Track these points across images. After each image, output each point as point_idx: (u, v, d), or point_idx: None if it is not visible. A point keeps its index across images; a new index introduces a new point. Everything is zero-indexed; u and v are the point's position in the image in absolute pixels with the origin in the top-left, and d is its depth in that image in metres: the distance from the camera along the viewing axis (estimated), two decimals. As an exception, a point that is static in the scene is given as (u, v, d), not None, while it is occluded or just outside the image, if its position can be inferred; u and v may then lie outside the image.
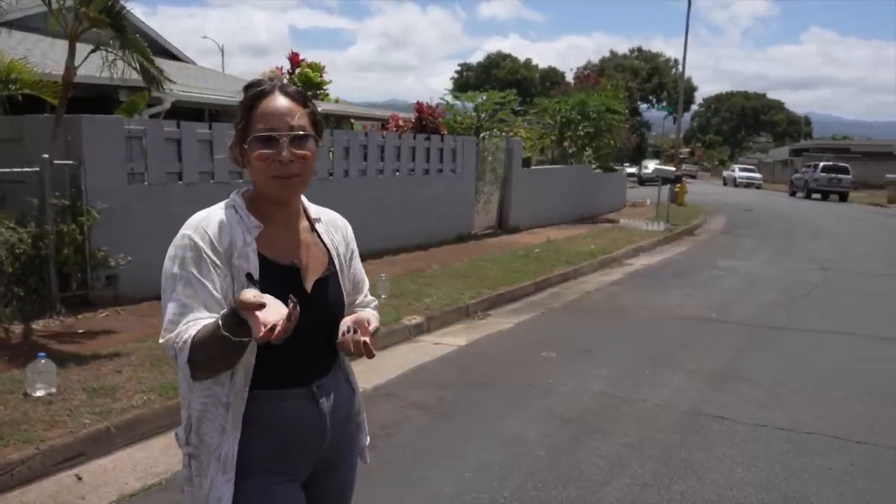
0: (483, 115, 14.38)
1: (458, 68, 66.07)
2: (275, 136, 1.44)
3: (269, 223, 1.52)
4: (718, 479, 3.41)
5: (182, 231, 1.47)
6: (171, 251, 1.46)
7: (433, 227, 10.79)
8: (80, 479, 3.38)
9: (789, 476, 3.45)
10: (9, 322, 5.38)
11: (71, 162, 5.85)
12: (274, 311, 1.24)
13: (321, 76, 17.24)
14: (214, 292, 1.41)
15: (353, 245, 1.73)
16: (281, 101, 1.47)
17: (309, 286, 1.54)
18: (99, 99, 8.68)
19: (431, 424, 4.11)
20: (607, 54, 64.09)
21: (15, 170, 5.62)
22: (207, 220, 1.47)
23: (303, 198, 1.61)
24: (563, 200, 15.38)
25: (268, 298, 1.26)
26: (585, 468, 3.51)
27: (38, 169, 5.61)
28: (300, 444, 1.54)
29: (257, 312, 1.23)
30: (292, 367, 1.51)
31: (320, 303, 1.54)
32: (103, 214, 5.97)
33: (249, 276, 1.44)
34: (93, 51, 5.80)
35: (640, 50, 64.65)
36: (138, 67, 5.90)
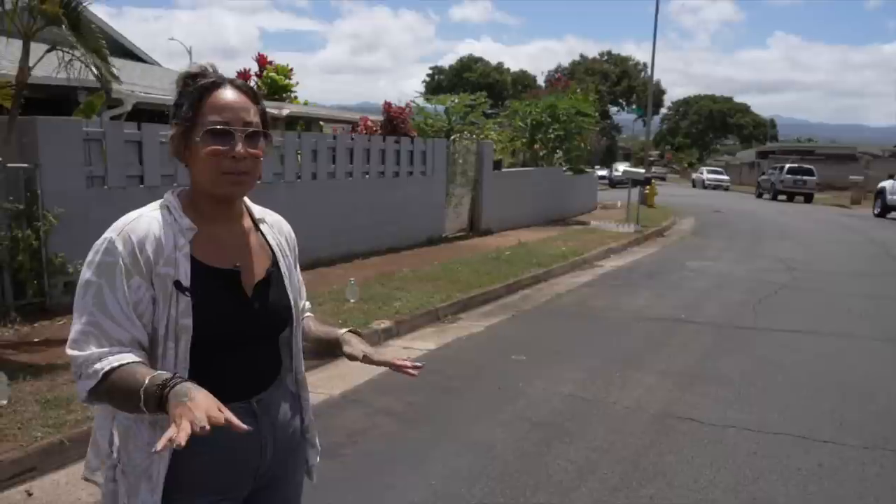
0: (454, 118, 14.35)
1: (431, 71, 66.10)
2: (230, 131, 1.36)
3: (209, 224, 1.43)
4: (687, 481, 3.39)
5: (105, 233, 1.36)
6: (90, 254, 1.36)
7: (404, 231, 10.71)
8: (30, 494, 3.24)
9: (757, 477, 3.45)
10: (-40, 331, 5.19)
11: (26, 165, 5.66)
12: (200, 414, 1.15)
13: (288, 79, 17.11)
14: (125, 307, 1.31)
15: (297, 251, 1.66)
16: (234, 95, 1.40)
17: (249, 290, 1.46)
18: (58, 101, 8.44)
19: (399, 431, 4.03)
20: (578, 58, 64.63)
21: (-34, 173, 5.42)
22: (134, 224, 1.36)
23: (245, 198, 1.53)
24: (534, 202, 15.41)
25: (201, 399, 1.18)
26: (554, 473, 3.46)
27: (-10, 172, 5.42)
28: (238, 462, 1.45)
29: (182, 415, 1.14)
30: (232, 380, 1.42)
31: (262, 307, 1.46)
32: (61, 219, 5.78)
33: (178, 284, 1.35)
34: (48, 50, 5.61)
35: (609, 54, 65.33)
36: (93, 68, 5.73)
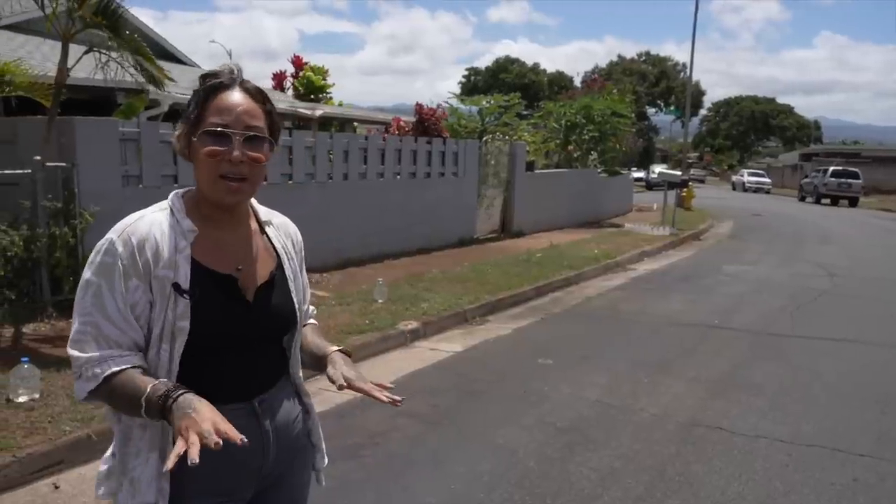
0: (487, 119, 14.29)
1: (467, 72, 66.04)
2: (227, 133, 1.34)
3: (212, 226, 1.42)
4: (714, 493, 3.29)
5: (108, 234, 1.37)
6: (92, 254, 1.36)
7: (434, 232, 10.70)
8: (57, 487, 3.30)
9: (788, 491, 3.33)
10: (-1, 326, 5.33)
11: (64, 164, 5.79)
12: (208, 427, 1.17)
13: (324, 79, 17.26)
14: (122, 308, 1.31)
15: (303, 254, 1.64)
16: (239, 97, 1.38)
17: (251, 294, 1.44)
18: (98, 102, 8.65)
19: (421, 433, 4.00)
20: (616, 58, 63.89)
21: (7, 171, 5.57)
22: (135, 226, 1.36)
23: (252, 199, 1.52)
24: (567, 204, 15.26)
25: (206, 411, 1.20)
26: (576, 481, 3.39)
27: (30, 171, 5.55)
28: (241, 464, 1.43)
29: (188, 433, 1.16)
30: (233, 381, 1.41)
31: (264, 310, 1.45)
32: (97, 217, 5.90)
33: (176, 286, 1.34)
34: (86, 52, 5.75)
35: (648, 54, 64.39)
36: (137, 67, 5.84)
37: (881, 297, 8.50)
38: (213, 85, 1.39)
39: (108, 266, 1.32)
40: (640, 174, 35.42)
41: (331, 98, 17.21)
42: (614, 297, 8.23)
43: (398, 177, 10.05)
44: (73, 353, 1.32)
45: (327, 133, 9.08)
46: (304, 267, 1.62)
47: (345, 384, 1.44)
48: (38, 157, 5.54)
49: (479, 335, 6.32)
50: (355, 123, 15.90)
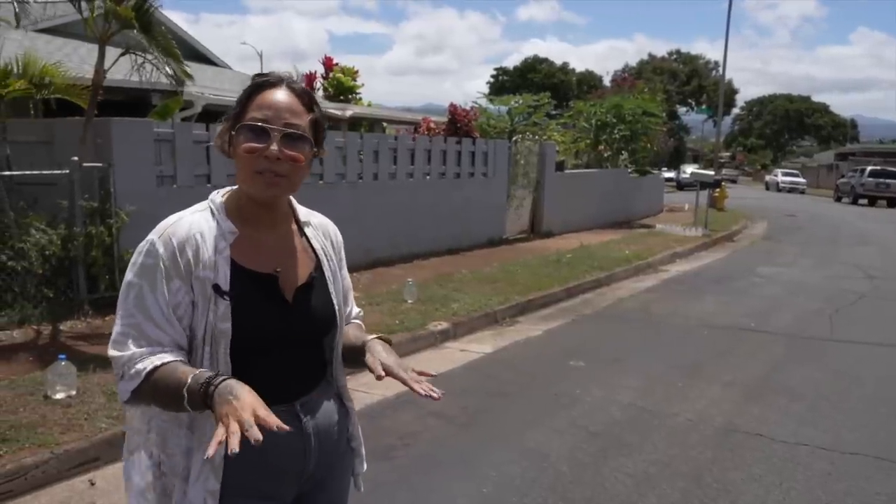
0: (516, 119, 14.22)
1: (495, 72, 65.85)
2: (266, 129, 1.33)
3: (252, 226, 1.41)
4: (754, 501, 3.21)
5: (149, 235, 1.37)
6: (133, 255, 1.36)
7: (464, 232, 10.66)
8: (93, 484, 3.34)
9: (831, 500, 3.23)
10: (37, 323, 5.44)
11: (100, 164, 5.89)
12: (248, 416, 1.15)
13: (354, 80, 17.32)
14: (164, 309, 1.31)
15: (343, 253, 1.62)
16: (282, 95, 1.36)
17: (290, 295, 1.43)
18: (134, 103, 8.79)
19: (451, 434, 3.98)
20: (646, 57, 63.20)
21: (45, 172, 5.68)
22: (175, 226, 1.36)
23: (292, 199, 1.50)
24: (597, 205, 15.11)
25: (247, 397, 1.19)
26: (610, 486, 3.34)
27: (67, 171, 5.66)
28: (283, 466, 1.43)
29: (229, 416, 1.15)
30: (274, 383, 1.39)
31: (304, 312, 1.43)
32: (132, 217, 5.99)
33: (216, 288, 1.33)
34: (122, 54, 5.84)
35: (679, 52, 63.59)
36: (167, 69, 5.92)
37: (924, 301, 8.25)
38: (258, 83, 1.39)
39: (150, 267, 1.32)
40: (671, 174, 34.95)
41: (360, 99, 17.27)
42: (646, 299, 8.11)
43: (428, 177, 10.04)
44: (114, 353, 1.32)
45: (357, 133, 9.11)
46: (344, 267, 1.60)
47: (383, 373, 1.39)
48: (76, 158, 5.64)
49: (509, 336, 6.27)
50: (384, 124, 15.95)
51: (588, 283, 8.61)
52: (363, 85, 17.15)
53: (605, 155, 16.86)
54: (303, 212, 1.55)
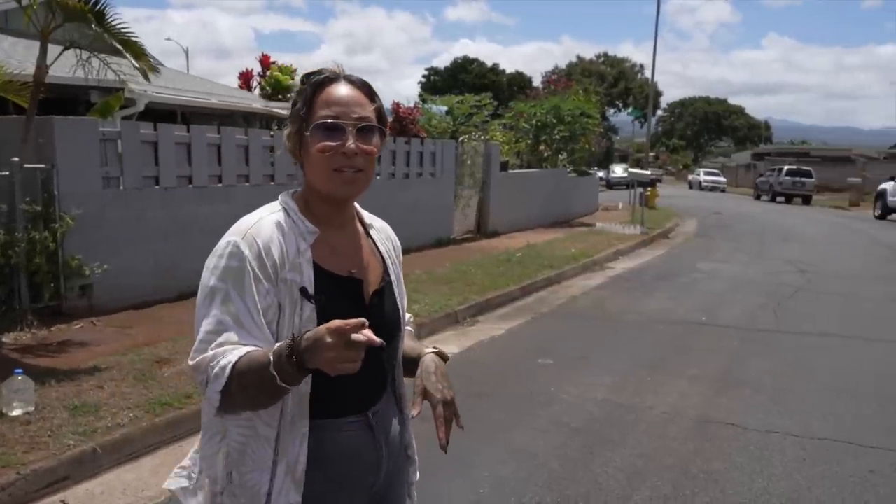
0: (459, 119, 14.26)
1: (426, 72, 65.96)
2: (340, 125, 1.29)
3: (324, 227, 1.36)
4: (741, 489, 3.32)
5: (226, 237, 1.28)
6: (211, 260, 1.27)
7: (413, 233, 10.59)
8: (65, 505, 3.14)
9: (811, 485, 3.37)
10: (-24, 335, 5.07)
11: (43, 166, 5.55)
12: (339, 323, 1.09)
13: (292, 79, 16.96)
14: (255, 313, 1.22)
15: (402, 258, 1.57)
16: (346, 89, 1.33)
17: (367, 299, 1.38)
18: (69, 101, 8.32)
19: (436, 436, 3.93)
20: (575, 59, 64.67)
21: (-18, 173, 5.31)
22: (258, 227, 1.29)
23: (355, 202, 1.45)
24: (540, 204, 15.35)
25: (329, 333, 1.09)
26: (603, 481, 3.38)
27: (7, 173, 5.30)
28: (358, 479, 1.38)
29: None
30: (348, 393, 1.34)
31: (378, 316, 1.38)
32: (77, 221, 5.68)
33: (304, 291, 1.27)
34: (66, 48, 5.51)
35: (606, 55, 65.42)
36: (124, 65, 5.61)
37: (853, 293, 8.75)
38: (318, 80, 1.34)
39: (236, 270, 1.24)
40: (601, 174, 35.86)
41: (299, 98, 16.93)
42: (599, 296, 8.28)
43: (378, 177, 9.94)
44: (195, 359, 1.21)
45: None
46: (401, 271, 1.56)
47: (416, 413, 1.34)
48: (16, 159, 5.29)
49: (472, 336, 6.28)
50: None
51: (541, 282, 8.72)
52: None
53: (545, 155, 17.14)
54: (366, 214, 1.51)
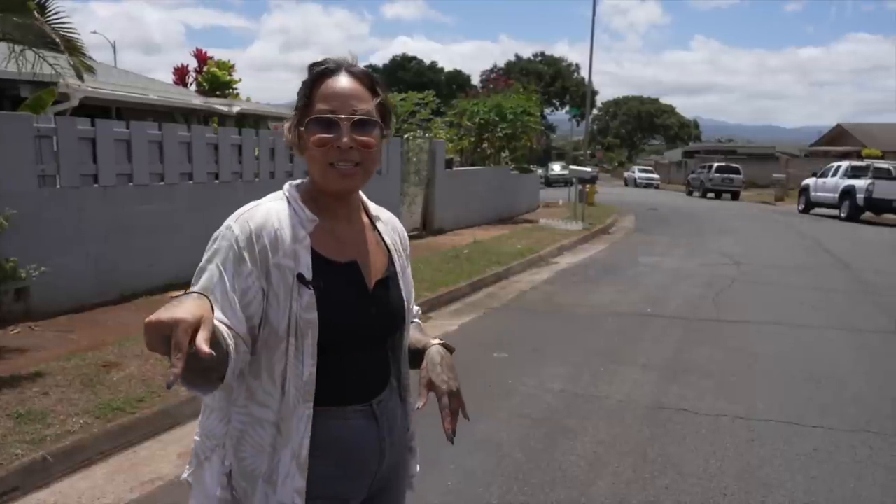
0: (401, 117, 14.24)
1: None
2: (335, 119, 1.29)
3: (328, 217, 1.36)
4: (696, 471, 3.45)
5: (226, 221, 1.31)
6: (208, 244, 1.29)
7: (361, 230, 10.54)
8: (17, 517, 3.00)
9: (761, 464, 3.54)
10: None
11: (-27, 163, 5.27)
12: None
13: (230, 75, 16.60)
14: (229, 292, 1.22)
15: (409, 251, 1.58)
16: (346, 82, 1.32)
17: (371, 287, 1.38)
18: (-6, 95, 7.92)
19: (399, 433, 3.94)
20: (513, 58, 65.47)
21: None
22: (252, 212, 1.30)
23: (361, 193, 1.45)
24: (484, 201, 15.49)
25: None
26: (567, 469, 3.46)
27: (-66, 171, 5.00)
28: (360, 467, 1.39)
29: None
30: (352, 381, 1.36)
31: (382, 306, 1.40)
32: (11, 221, 5.39)
33: (300, 277, 1.28)
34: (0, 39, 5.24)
35: (543, 54, 66.46)
36: (62, 60, 5.38)
37: (784, 282, 9.19)
38: (319, 72, 1.34)
39: (224, 250, 1.25)
40: (540, 171, 36.43)
41: (238, 94, 16.58)
42: (547, 291, 8.43)
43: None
44: None
45: (253, 130, 8.71)
46: (409, 265, 1.56)
47: (421, 405, 1.36)
48: (-55, 156, 5.00)
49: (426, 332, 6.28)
50: (270, 122, 15.40)
51: (490, 278, 8.82)
52: (240, 80, 16.50)
53: (489, 153, 17.30)
54: (372, 206, 1.52)
